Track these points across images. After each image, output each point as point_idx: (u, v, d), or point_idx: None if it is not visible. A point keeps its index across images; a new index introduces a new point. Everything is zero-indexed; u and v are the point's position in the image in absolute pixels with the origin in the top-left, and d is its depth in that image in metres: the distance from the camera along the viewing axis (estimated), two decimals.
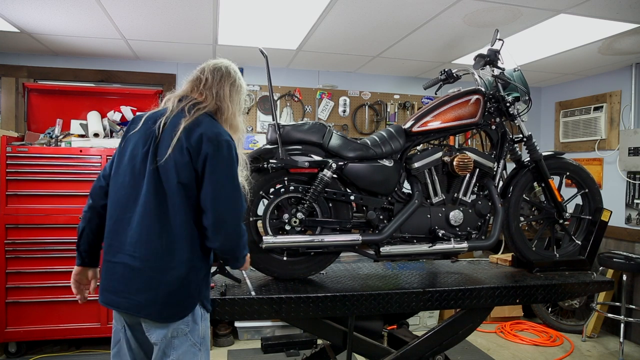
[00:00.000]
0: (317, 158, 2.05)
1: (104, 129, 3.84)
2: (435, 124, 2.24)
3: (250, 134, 4.53)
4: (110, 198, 1.63)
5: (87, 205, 1.71)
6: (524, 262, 2.48)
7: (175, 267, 1.53)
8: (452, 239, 2.20)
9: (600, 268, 3.95)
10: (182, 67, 4.50)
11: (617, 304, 3.98)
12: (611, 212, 2.56)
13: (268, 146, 2.03)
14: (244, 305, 1.87)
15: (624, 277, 3.88)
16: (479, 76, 2.40)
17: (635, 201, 4.13)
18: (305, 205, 2.03)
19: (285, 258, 2.09)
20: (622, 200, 4.24)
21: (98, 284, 1.71)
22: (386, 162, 2.16)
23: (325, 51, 4.00)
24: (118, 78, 4.30)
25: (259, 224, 2.05)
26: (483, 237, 2.31)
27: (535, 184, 2.51)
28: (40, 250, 3.45)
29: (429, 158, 2.24)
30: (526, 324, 4.47)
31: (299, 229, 2.03)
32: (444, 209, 2.25)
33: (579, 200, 2.63)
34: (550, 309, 4.50)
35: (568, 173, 2.52)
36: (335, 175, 2.07)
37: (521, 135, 2.43)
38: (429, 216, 2.22)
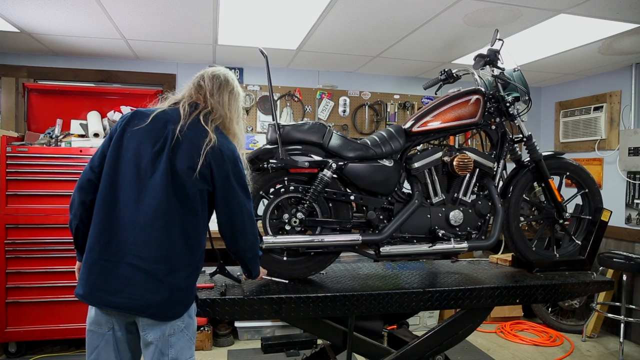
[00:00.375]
0: (317, 158, 2.05)
1: (104, 129, 3.85)
2: (435, 124, 2.24)
3: (250, 134, 4.53)
4: (103, 195, 1.58)
5: (76, 201, 1.64)
6: (524, 262, 2.48)
7: (182, 268, 1.58)
8: (452, 239, 2.20)
9: (600, 268, 3.95)
10: (182, 67, 4.50)
11: (617, 304, 3.98)
12: (611, 212, 2.57)
13: (268, 146, 2.03)
14: (244, 305, 1.87)
15: (624, 277, 3.88)
16: (479, 76, 2.40)
17: (635, 201, 4.13)
18: (305, 205, 2.03)
19: (285, 258, 2.09)
20: (622, 200, 4.24)
21: None
22: (386, 162, 2.16)
23: (325, 51, 4.00)
24: (118, 78, 4.30)
25: (259, 224, 2.05)
26: (483, 237, 2.31)
27: (535, 184, 2.51)
28: (40, 250, 3.45)
29: (429, 158, 2.24)
30: (526, 324, 4.47)
31: (299, 229, 2.03)
32: (444, 209, 2.25)
33: (579, 200, 2.63)
34: (550, 309, 4.50)
35: (568, 173, 2.52)
36: (335, 175, 2.07)
37: (521, 135, 2.43)
38: (429, 216, 2.22)
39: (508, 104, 2.37)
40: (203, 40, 3.69)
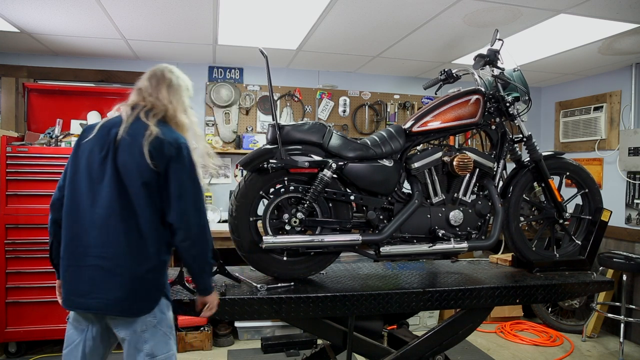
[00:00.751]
0: (317, 158, 2.05)
1: None
2: (435, 124, 2.24)
3: (250, 134, 4.53)
4: (66, 206, 1.69)
5: (50, 219, 1.80)
6: (524, 262, 2.48)
7: (143, 263, 1.63)
8: (452, 239, 2.19)
9: (600, 268, 3.95)
10: (182, 67, 4.47)
11: (617, 304, 3.98)
12: (611, 212, 2.56)
13: (268, 146, 2.02)
14: (244, 305, 1.87)
15: (624, 277, 3.88)
16: (479, 76, 2.40)
17: (635, 201, 4.13)
18: (305, 205, 2.03)
19: (285, 258, 2.09)
20: (622, 200, 4.24)
21: None
22: (386, 162, 2.16)
23: (325, 51, 4.00)
24: (118, 78, 4.30)
25: (259, 224, 2.05)
26: (483, 237, 2.31)
27: (535, 184, 2.51)
28: (40, 250, 3.45)
29: (429, 158, 2.24)
30: (526, 324, 4.47)
31: (299, 229, 2.03)
32: (444, 209, 2.25)
33: (579, 200, 2.63)
34: (550, 309, 4.50)
35: (568, 173, 2.52)
36: (335, 175, 2.07)
37: (521, 135, 2.43)
38: (429, 216, 2.22)
39: (508, 104, 2.37)
40: (203, 40, 3.69)
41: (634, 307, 3.94)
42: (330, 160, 2.04)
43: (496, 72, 2.37)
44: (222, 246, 3.07)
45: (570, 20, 3.06)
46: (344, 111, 4.82)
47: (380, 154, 2.15)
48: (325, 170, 2.03)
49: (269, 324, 4.01)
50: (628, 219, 4.18)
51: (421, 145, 2.35)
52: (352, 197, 2.12)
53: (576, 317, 4.42)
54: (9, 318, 3.43)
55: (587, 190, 2.55)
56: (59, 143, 3.64)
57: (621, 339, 3.71)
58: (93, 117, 3.89)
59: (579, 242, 2.56)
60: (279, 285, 2.03)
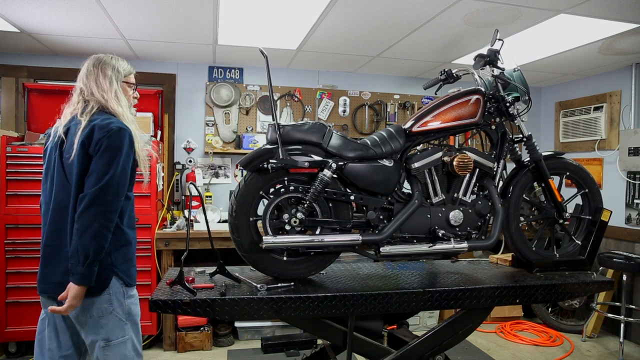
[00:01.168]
0: (317, 158, 2.05)
1: None
2: (435, 124, 2.24)
3: (250, 134, 4.53)
4: (42, 208, 1.89)
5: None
6: (524, 262, 2.48)
7: None
8: (452, 239, 2.19)
9: (600, 268, 3.95)
10: (182, 67, 4.51)
11: (617, 304, 3.98)
12: (611, 212, 2.56)
13: (268, 146, 2.02)
14: (244, 305, 1.87)
15: (624, 277, 3.89)
16: (479, 76, 2.40)
17: (635, 201, 4.14)
18: (305, 205, 2.03)
19: (285, 258, 2.09)
20: (622, 200, 4.24)
21: None
22: (386, 162, 2.16)
23: (325, 51, 4.00)
24: None
25: (259, 224, 2.05)
26: (483, 237, 2.31)
27: (535, 184, 2.51)
28: (40, 250, 3.44)
29: (429, 158, 2.24)
30: (526, 324, 4.47)
31: (299, 229, 2.03)
32: (444, 209, 2.25)
33: (579, 200, 2.63)
34: (550, 309, 4.50)
35: (568, 173, 2.52)
36: (335, 175, 2.06)
37: (521, 135, 2.43)
38: (429, 216, 2.22)
39: (508, 104, 2.37)
40: (203, 40, 3.70)
41: (634, 307, 3.95)
42: (330, 160, 2.04)
43: (496, 72, 2.37)
44: (222, 246, 3.06)
45: (570, 20, 3.06)
46: (344, 111, 4.83)
47: (380, 154, 2.15)
48: (325, 170, 2.03)
49: (269, 324, 4.01)
50: (628, 219, 4.18)
51: (421, 145, 2.35)
52: (352, 197, 2.12)
53: (576, 317, 4.42)
54: (9, 318, 3.43)
55: (587, 190, 2.55)
56: None
57: (621, 339, 3.71)
58: None
59: (579, 242, 2.56)
60: (279, 285, 2.02)
